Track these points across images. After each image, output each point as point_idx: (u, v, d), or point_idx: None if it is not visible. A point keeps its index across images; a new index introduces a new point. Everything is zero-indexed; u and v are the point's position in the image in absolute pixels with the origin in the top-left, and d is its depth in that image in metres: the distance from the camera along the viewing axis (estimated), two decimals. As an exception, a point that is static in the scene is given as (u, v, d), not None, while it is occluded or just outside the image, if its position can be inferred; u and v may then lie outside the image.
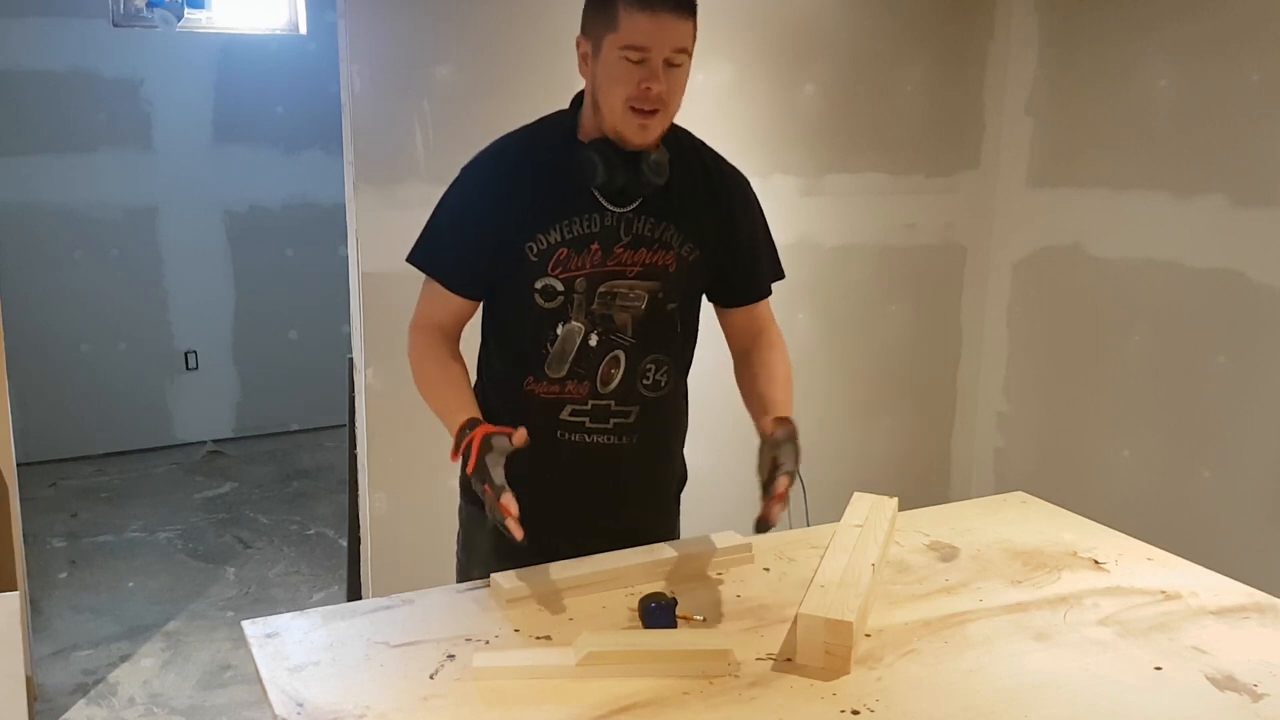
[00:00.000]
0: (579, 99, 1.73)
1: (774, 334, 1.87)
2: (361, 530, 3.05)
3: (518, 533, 1.45)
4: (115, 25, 4.67)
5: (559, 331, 1.70)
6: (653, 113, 1.60)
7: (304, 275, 5.32)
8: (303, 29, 5.02)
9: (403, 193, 2.82)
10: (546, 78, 2.87)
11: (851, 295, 3.55)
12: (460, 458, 1.55)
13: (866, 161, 3.47)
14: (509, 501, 1.46)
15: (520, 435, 1.53)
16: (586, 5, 1.65)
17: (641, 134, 1.62)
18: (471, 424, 1.57)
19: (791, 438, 1.57)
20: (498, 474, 1.49)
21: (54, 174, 4.77)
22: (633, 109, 1.59)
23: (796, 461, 1.56)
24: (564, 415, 1.73)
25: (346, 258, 3.01)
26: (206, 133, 5.04)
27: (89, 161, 4.83)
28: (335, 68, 2.84)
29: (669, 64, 1.58)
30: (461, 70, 2.87)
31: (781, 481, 1.51)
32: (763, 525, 1.51)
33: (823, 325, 3.52)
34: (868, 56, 3.40)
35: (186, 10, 4.72)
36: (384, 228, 2.80)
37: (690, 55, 1.62)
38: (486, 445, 1.52)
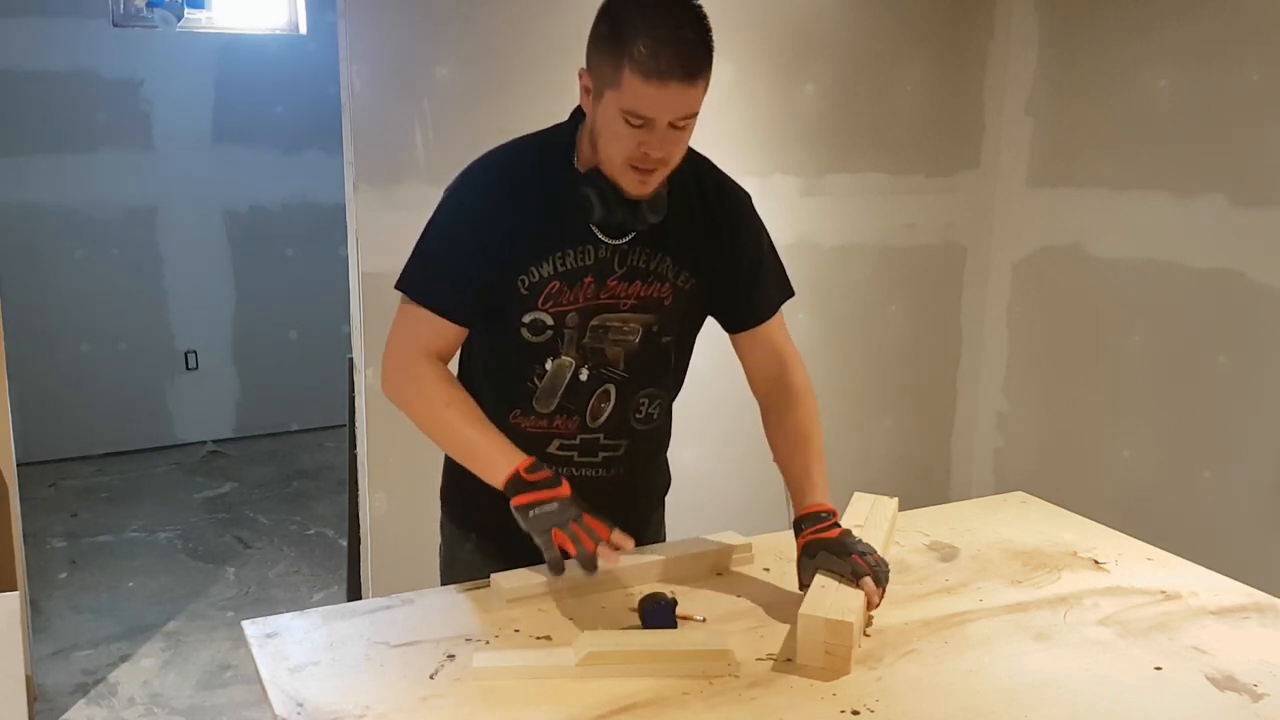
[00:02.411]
0: (578, 114, 1.64)
1: (797, 380, 1.74)
2: (361, 530, 3.05)
3: (612, 559, 1.47)
4: (115, 25, 4.67)
5: (548, 366, 1.64)
6: (652, 171, 1.52)
7: (304, 275, 5.32)
8: (303, 29, 5.02)
9: (403, 193, 2.82)
10: (547, 78, 2.87)
11: (851, 295, 3.55)
12: (536, 482, 1.51)
13: (866, 161, 3.47)
14: (622, 539, 1.48)
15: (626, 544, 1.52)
16: (592, 39, 1.52)
17: (639, 188, 1.54)
18: (542, 465, 1.54)
19: (849, 544, 1.54)
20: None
21: (54, 174, 4.77)
22: (632, 167, 1.52)
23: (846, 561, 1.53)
24: (551, 449, 1.67)
25: (346, 258, 3.01)
26: (206, 133, 5.04)
27: (89, 161, 4.83)
28: (335, 68, 2.84)
29: (674, 126, 1.49)
30: (461, 70, 2.87)
31: (866, 585, 1.49)
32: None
33: (823, 325, 3.51)
34: (868, 56, 3.40)
35: (186, 10, 4.72)
36: (384, 228, 2.81)
37: (697, 113, 1.53)
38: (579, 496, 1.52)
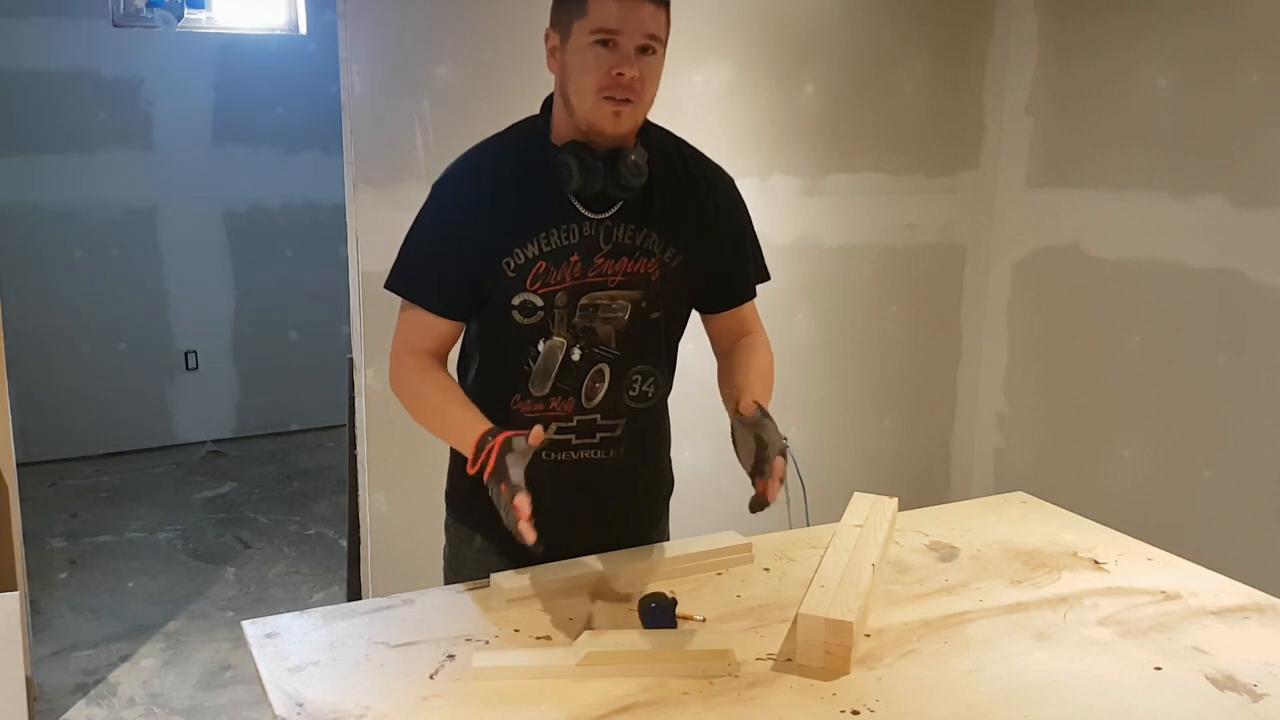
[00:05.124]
0: (549, 102, 1.68)
1: (758, 334, 1.82)
2: (361, 530, 3.06)
3: (529, 536, 1.39)
4: (115, 25, 4.67)
5: (540, 348, 1.65)
6: (625, 101, 1.54)
7: (304, 275, 5.32)
8: (303, 29, 5.02)
9: (403, 193, 2.82)
10: (547, 78, 2.86)
11: (851, 295, 3.55)
12: (479, 467, 1.48)
13: (866, 161, 3.47)
14: (522, 502, 1.40)
15: (536, 434, 1.46)
16: None
17: (615, 123, 1.55)
18: (493, 433, 1.51)
19: (766, 416, 1.52)
20: (516, 474, 1.43)
21: (54, 174, 4.77)
22: (605, 98, 1.54)
23: (780, 437, 1.51)
24: (549, 434, 1.67)
25: (346, 258, 3.01)
26: (206, 133, 5.05)
27: (89, 161, 4.83)
28: (335, 68, 2.84)
29: (641, 50, 1.53)
30: (461, 70, 2.87)
31: (778, 462, 1.46)
32: (760, 503, 1.46)
33: (823, 325, 3.52)
34: (868, 56, 3.40)
35: (186, 10, 4.72)
36: (384, 228, 2.80)
37: (664, 44, 1.58)
38: (507, 446, 1.46)
